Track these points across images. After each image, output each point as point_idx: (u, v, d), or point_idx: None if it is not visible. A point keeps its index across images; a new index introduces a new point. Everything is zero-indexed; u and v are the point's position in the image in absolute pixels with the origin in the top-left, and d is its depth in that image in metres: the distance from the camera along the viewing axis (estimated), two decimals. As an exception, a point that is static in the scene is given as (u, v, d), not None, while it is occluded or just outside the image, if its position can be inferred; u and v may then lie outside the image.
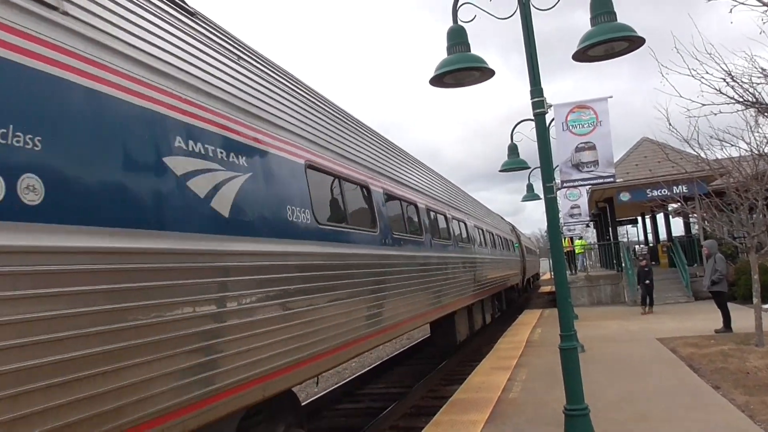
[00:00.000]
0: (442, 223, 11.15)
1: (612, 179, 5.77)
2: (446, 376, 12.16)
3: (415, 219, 9.11)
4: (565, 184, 5.87)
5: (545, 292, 34.47)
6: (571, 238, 28.78)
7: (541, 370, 9.92)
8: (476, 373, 10.22)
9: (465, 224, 13.76)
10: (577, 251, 29.77)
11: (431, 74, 6.20)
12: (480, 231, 16.02)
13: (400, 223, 8.21)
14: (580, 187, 16.10)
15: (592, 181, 5.79)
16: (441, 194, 12.04)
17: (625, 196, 21.01)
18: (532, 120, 11.57)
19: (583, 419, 5.49)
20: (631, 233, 51.60)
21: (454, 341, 12.83)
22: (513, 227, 29.51)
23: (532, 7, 5.98)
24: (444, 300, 10.26)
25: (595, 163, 5.70)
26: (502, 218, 26.19)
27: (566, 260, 30.79)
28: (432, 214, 10.27)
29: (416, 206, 9.21)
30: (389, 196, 7.87)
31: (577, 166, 5.70)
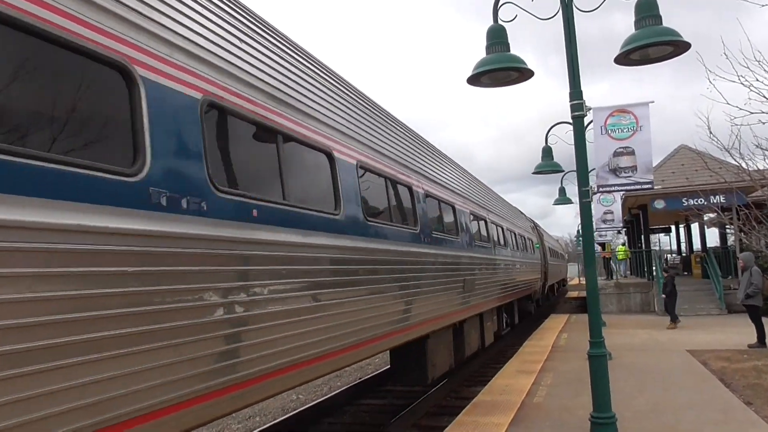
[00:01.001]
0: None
1: (650, 186, 5.64)
2: (469, 377, 12.11)
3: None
4: (601, 189, 5.76)
5: (572, 297, 34.02)
6: (603, 245, 28.39)
7: (567, 376, 9.80)
8: (500, 376, 10.14)
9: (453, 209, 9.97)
10: (619, 257, 29.35)
11: (466, 73, 6.17)
12: (481, 222, 12.23)
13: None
14: (614, 193, 15.80)
15: (629, 187, 5.67)
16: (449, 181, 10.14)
17: (659, 204, 20.57)
18: (567, 123, 11.45)
19: (610, 428, 5.42)
20: (663, 242, 50.60)
21: (424, 377, 8.44)
22: (534, 225, 25.10)
23: (574, 8, 5.91)
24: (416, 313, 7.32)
25: (633, 168, 5.59)
26: (521, 213, 22.06)
27: (603, 266, 30.50)
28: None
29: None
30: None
31: (615, 171, 5.59)
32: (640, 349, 12.54)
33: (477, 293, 10.67)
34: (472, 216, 11.11)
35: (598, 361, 5.59)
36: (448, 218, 9.52)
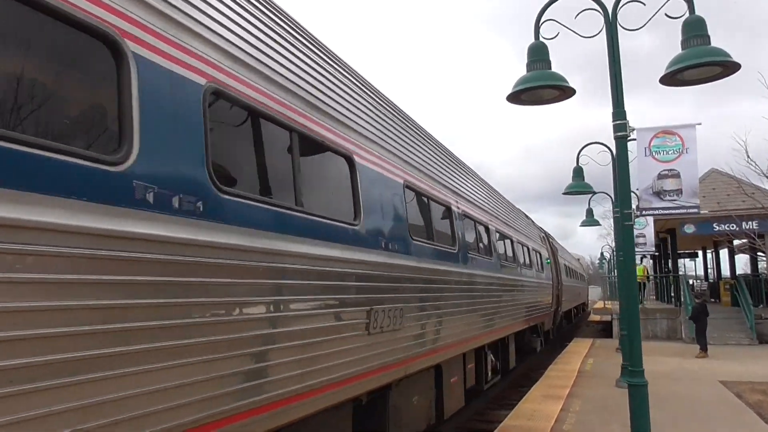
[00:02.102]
0: None
1: (696, 210, 5.47)
2: (494, 400, 11.83)
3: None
4: (644, 213, 5.59)
5: (595, 321, 33.40)
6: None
7: (596, 404, 9.53)
8: (527, 400, 9.89)
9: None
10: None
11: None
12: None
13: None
14: (647, 217, 15.49)
15: (674, 211, 5.50)
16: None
17: (689, 229, 20.13)
18: (600, 143, 11.26)
19: (650, 461, 5.19)
20: (689, 267, 49.56)
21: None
22: (546, 235, 19.82)
23: (618, 26, 5.79)
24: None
25: (679, 192, 5.42)
26: (526, 216, 16.61)
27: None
28: None
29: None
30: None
31: (659, 194, 5.43)
32: (670, 377, 12.16)
33: (463, 331, 7.66)
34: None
35: (639, 390, 5.36)
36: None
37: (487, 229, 9.92)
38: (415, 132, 7.23)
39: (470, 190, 9.53)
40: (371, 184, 5.28)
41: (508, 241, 11.69)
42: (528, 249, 13.98)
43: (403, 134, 6.61)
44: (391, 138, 6.18)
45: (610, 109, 5.68)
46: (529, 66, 5.94)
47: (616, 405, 9.21)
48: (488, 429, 8.80)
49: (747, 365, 13.86)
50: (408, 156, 6.48)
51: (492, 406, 11.39)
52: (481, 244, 9.30)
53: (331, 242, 4.36)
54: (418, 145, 7.12)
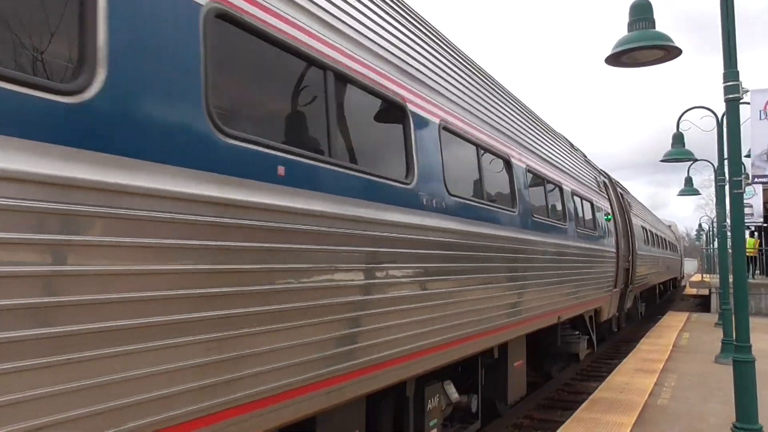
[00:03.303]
0: None
1: (818, 177, 5.04)
2: (582, 372, 11.64)
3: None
4: (756, 180, 5.22)
5: (691, 295, 31.76)
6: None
7: (693, 379, 9.15)
8: (617, 373, 9.65)
9: None
10: (748, 252, 27.09)
11: (594, 49, 5.80)
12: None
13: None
14: (755, 185, 14.37)
15: (792, 178, 5.09)
16: None
17: (802, 198, 18.54)
18: (703, 107, 10.54)
19: (756, 440, 4.96)
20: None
21: None
22: (608, 179, 13.53)
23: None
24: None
25: (798, 157, 5.01)
26: (574, 148, 10.87)
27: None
28: None
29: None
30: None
31: (774, 160, 5.05)
32: (777, 356, 11.43)
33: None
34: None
35: (745, 367, 5.11)
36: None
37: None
38: (455, 57, 5.76)
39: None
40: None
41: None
42: (564, 193, 8.45)
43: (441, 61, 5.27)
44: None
45: (715, 72, 5.32)
46: (630, 26, 5.64)
47: (717, 381, 8.80)
48: (576, 401, 8.70)
49: None
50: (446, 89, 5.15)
51: (579, 376, 11.22)
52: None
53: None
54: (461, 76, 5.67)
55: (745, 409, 5.06)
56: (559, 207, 8.23)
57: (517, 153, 6.78)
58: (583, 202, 9.74)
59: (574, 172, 9.53)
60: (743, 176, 5.12)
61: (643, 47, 5.37)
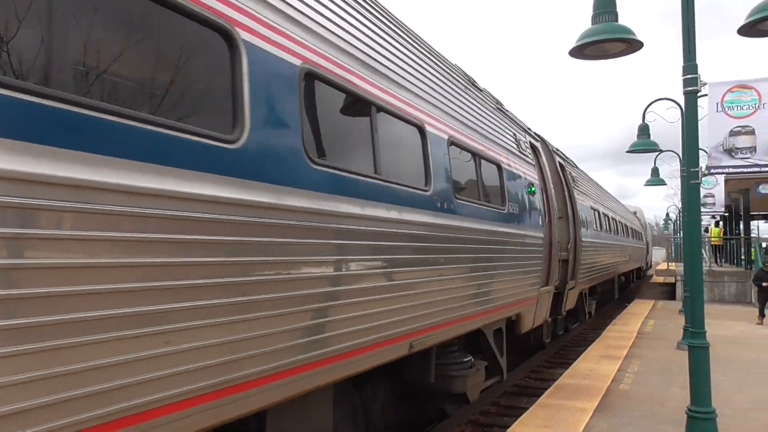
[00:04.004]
0: None
1: (771, 169, 5.19)
2: (549, 359, 11.87)
3: None
4: (712, 171, 5.36)
5: (658, 283, 32.51)
6: (706, 229, 26.77)
7: (656, 365, 9.41)
8: (583, 359, 9.87)
9: None
10: (713, 242, 27.80)
11: (564, 42, 5.87)
12: None
13: None
14: (717, 176, 14.73)
15: (746, 170, 5.24)
16: None
17: (765, 189, 19.08)
18: (668, 99, 10.75)
19: (709, 423, 5.13)
20: (762, 229, 47.09)
21: None
22: (542, 144, 10.65)
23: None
24: None
25: (752, 149, 5.17)
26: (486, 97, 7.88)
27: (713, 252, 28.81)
28: None
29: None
30: None
31: (730, 151, 5.19)
32: (737, 342, 11.82)
33: None
34: None
35: (700, 352, 5.26)
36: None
37: None
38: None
39: None
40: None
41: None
42: (428, 139, 5.35)
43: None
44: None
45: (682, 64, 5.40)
46: (594, 18, 5.71)
47: (678, 367, 9.06)
48: (542, 387, 8.88)
49: (821, 331, 13.27)
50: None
51: (547, 364, 11.44)
52: None
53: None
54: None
55: (699, 392, 5.21)
56: (413, 162, 5.17)
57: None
58: (480, 162, 6.64)
59: (456, 110, 6.20)
60: (699, 168, 5.25)
61: (605, 40, 5.44)
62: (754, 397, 7.37)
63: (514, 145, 8.32)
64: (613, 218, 18.61)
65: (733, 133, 5.11)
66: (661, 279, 32.70)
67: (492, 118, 7.64)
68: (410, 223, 4.76)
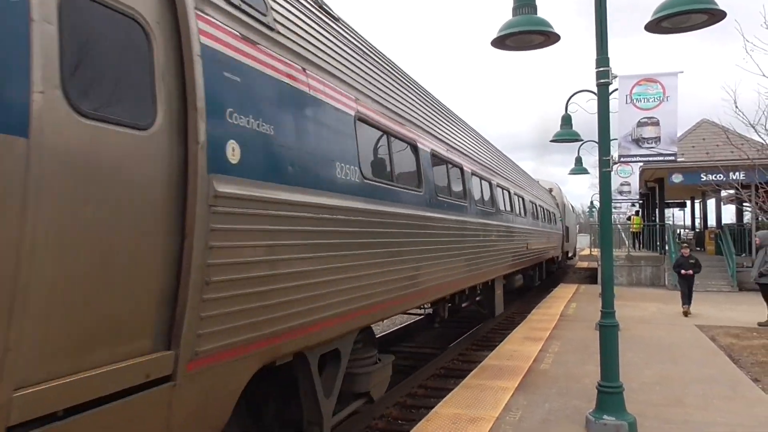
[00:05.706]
0: None
1: (673, 158, 5.55)
2: (477, 342, 12.24)
3: None
4: (622, 159, 5.67)
5: (582, 268, 34.05)
6: (629, 217, 28.10)
7: (575, 345, 9.88)
8: (508, 342, 10.24)
9: None
10: (634, 229, 29.30)
11: (486, 35, 6.03)
12: None
13: None
14: (632, 164, 15.56)
15: (651, 158, 5.57)
16: None
17: (677, 178, 20.31)
18: (590, 91, 11.21)
19: (617, 397, 5.46)
20: (677, 217, 50.11)
21: None
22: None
23: (606, -30, 5.71)
24: None
25: (657, 139, 5.48)
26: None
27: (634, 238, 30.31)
28: None
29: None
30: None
31: (637, 141, 5.50)
32: (648, 322, 12.57)
33: None
34: None
35: (609, 331, 5.60)
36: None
37: None
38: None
39: None
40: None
41: None
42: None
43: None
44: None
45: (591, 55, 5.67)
46: (515, 11, 5.89)
47: (594, 347, 9.44)
48: (468, 369, 9.15)
49: (725, 311, 14.30)
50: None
51: (474, 347, 11.80)
52: None
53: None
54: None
55: (608, 369, 5.55)
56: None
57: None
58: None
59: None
60: (611, 156, 5.54)
61: (524, 32, 5.63)
62: (660, 372, 7.89)
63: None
64: (518, 194, 14.24)
65: (640, 124, 5.43)
66: (585, 264, 34.28)
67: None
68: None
